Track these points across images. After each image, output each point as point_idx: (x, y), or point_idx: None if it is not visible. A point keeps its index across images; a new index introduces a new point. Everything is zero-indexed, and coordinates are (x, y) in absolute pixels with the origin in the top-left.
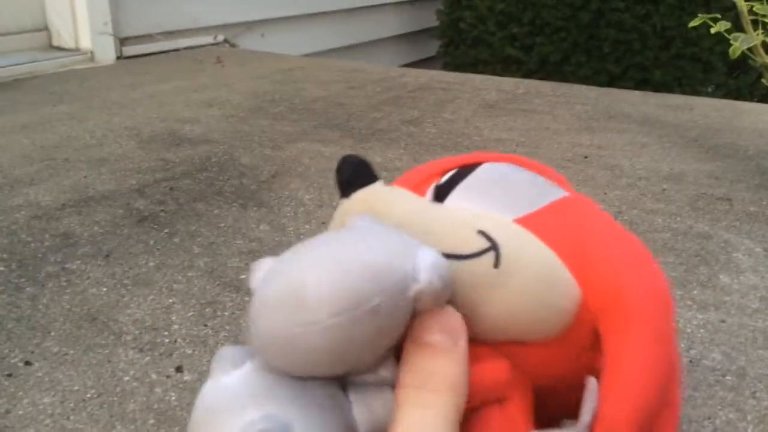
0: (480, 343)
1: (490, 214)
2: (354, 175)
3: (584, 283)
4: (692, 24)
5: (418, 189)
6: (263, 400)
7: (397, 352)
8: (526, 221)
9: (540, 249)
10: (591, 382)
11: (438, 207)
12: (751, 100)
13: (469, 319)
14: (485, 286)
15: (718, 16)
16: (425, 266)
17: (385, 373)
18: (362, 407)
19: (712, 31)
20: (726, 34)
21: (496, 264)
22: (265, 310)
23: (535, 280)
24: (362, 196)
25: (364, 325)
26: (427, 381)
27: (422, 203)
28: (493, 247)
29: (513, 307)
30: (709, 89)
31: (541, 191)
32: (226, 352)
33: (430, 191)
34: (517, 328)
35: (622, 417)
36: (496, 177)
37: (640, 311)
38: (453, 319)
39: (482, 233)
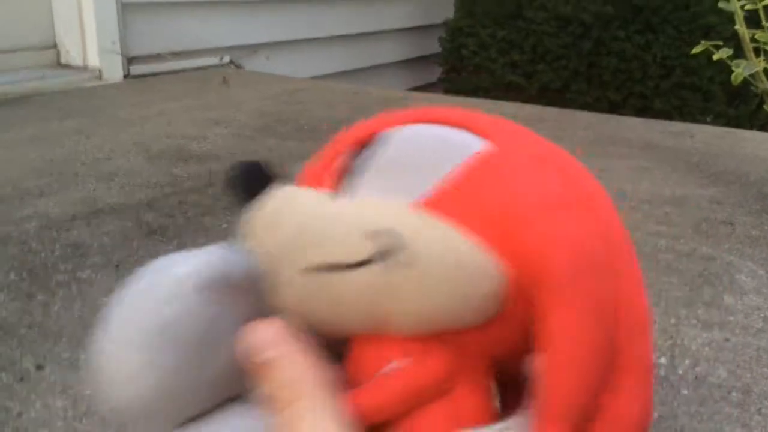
0: (410, 338)
1: (385, 204)
2: (242, 186)
3: (509, 254)
4: (695, 51)
5: (321, 174)
6: None
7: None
8: (429, 201)
9: (444, 234)
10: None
11: (328, 208)
12: (750, 129)
13: (389, 323)
14: (383, 294)
15: (720, 43)
16: (190, 263)
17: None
18: None
19: (715, 58)
20: (728, 61)
21: (389, 267)
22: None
23: (441, 273)
24: (258, 210)
25: (177, 343)
26: (280, 398)
27: (313, 211)
28: (384, 248)
29: (421, 307)
30: (708, 119)
31: (449, 153)
32: None
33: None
34: (436, 323)
35: (561, 408)
36: (397, 150)
37: (562, 277)
38: (262, 331)
39: (371, 233)
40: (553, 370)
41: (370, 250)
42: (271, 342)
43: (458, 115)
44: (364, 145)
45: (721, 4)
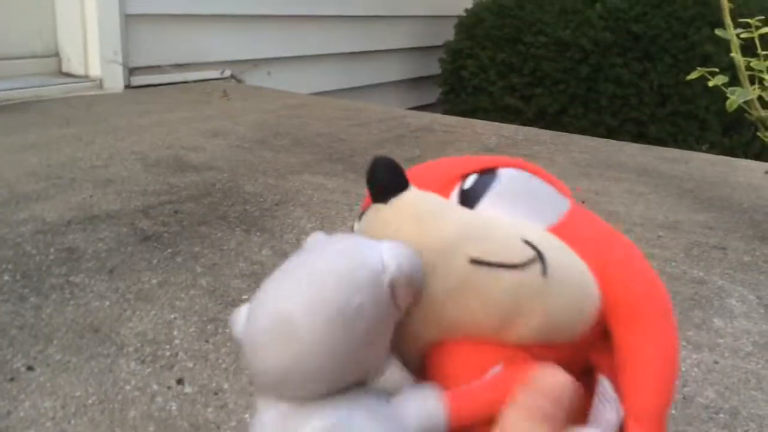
0: (515, 347)
1: (526, 223)
2: (387, 178)
3: (602, 287)
4: (690, 77)
5: (443, 192)
6: (321, 412)
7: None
8: (555, 231)
9: (573, 257)
10: (605, 383)
11: (484, 217)
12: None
13: (515, 326)
14: (534, 295)
15: (716, 69)
16: (390, 255)
17: (391, 375)
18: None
19: (710, 84)
20: (723, 88)
21: (544, 273)
22: (255, 353)
23: (574, 288)
24: (406, 204)
25: (353, 329)
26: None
27: (470, 214)
28: (540, 256)
29: (556, 314)
30: (704, 147)
31: (556, 201)
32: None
33: (455, 195)
34: (554, 333)
35: (656, 408)
36: (521, 186)
37: (655, 312)
38: (560, 388)
39: (527, 242)
40: (650, 385)
41: (528, 256)
42: (556, 398)
43: (545, 173)
44: (482, 175)
45: (717, 32)
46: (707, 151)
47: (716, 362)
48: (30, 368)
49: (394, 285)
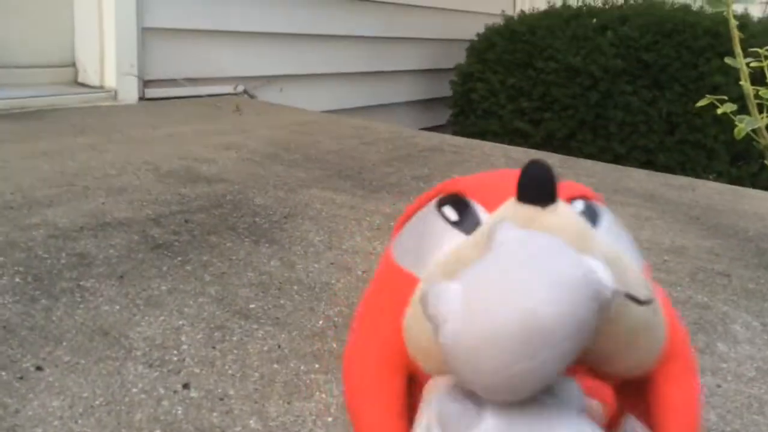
0: (601, 378)
1: (635, 262)
2: (548, 185)
3: None
4: (699, 104)
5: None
6: (561, 422)
7: None
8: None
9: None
10: (634, 421)
11: (617, 248)
12: None
13: (620, 358)
14: (646, 330)
15: (725, 97)
16: (608, 275)
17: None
18: None
19: (719, 111)
20: (732, 116)
21: (654, 312)
22: (492, 352)
23: (663, 331)
24: (567, 219)
25: (582, 339)
26: None
27: (609, 243)
28: (654, 297)
29: (650, 352)
30: (711, 177)
31: (635, 247)
32: (452, 407)
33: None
34: (640, 368)
35: None
36: (618, 223)
37: (692, 364)
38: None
39: (646, 283)
40: (688, 420)
41: (648, 295)
42: None
43: None
44: (586, 201)
45: (727, 60)
46: (714, 181)
47: (719, 386)
48: (39, 368)
49: (605, 306)
